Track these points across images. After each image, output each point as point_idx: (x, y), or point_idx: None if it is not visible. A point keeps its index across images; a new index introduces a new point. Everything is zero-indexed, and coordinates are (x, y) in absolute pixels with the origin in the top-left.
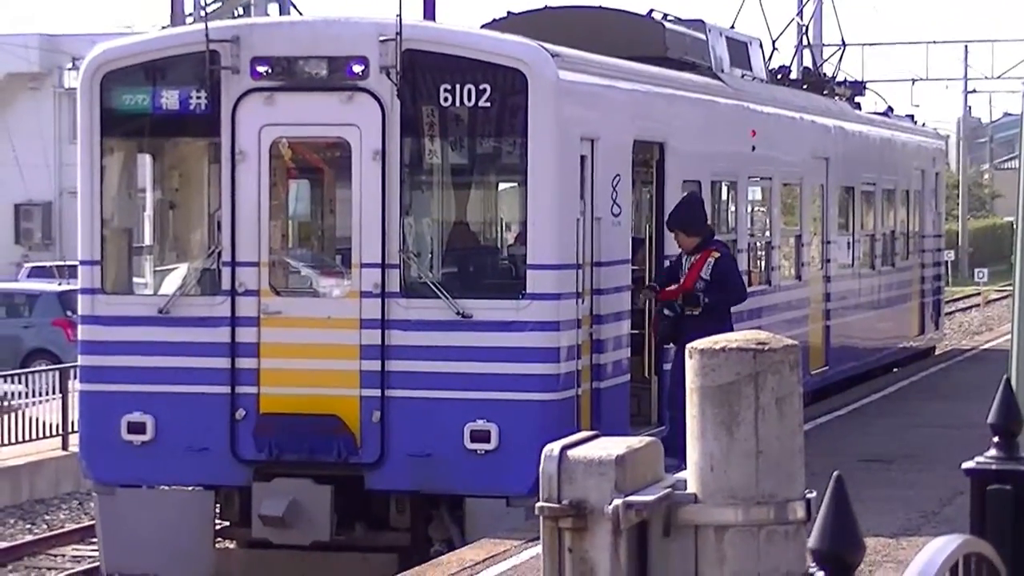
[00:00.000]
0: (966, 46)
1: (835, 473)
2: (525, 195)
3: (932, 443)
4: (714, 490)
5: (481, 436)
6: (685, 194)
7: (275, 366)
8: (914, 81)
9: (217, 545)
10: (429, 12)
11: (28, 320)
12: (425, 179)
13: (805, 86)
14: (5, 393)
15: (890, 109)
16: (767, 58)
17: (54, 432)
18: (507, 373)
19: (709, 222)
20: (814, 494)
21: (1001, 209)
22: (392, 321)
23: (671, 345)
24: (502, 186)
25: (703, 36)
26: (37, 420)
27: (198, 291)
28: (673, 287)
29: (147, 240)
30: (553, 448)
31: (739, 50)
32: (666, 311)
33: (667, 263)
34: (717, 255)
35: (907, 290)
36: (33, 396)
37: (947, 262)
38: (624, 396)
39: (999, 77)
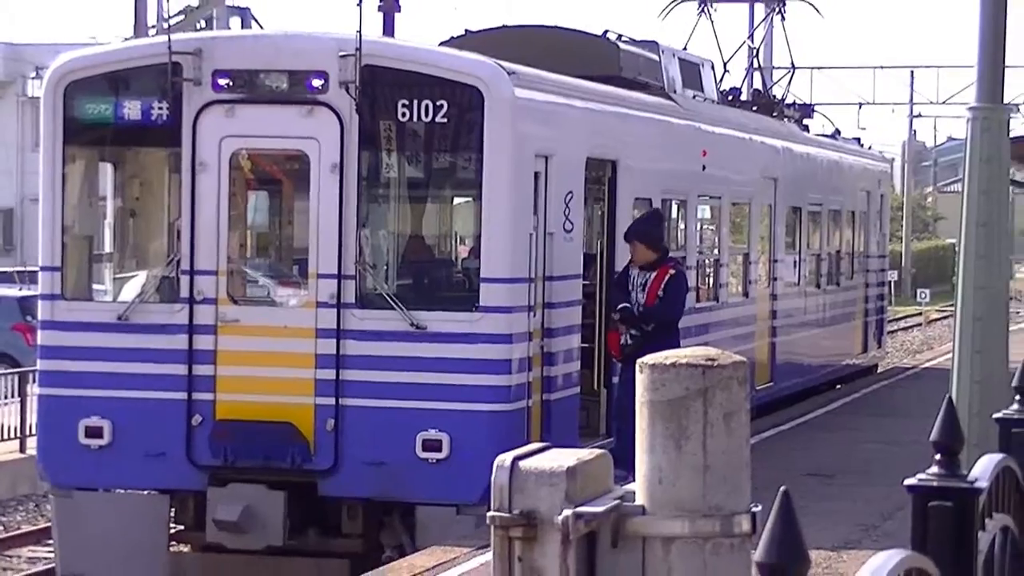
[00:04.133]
0: (912, 72)
1: (782, 488)
2: (480, 210)
3: (874, 458)
4: (662, 502)
5: (433, 445)
6: (649, 209)
7: (232, 373)
8: (861, 105)
9: (171, 549)
10: (388, 29)
11: None
12: (382, 192)
13: (755, 108)
14: None
15: (837, 131)
16: (719, 80)
17: (12, 435)
18: (459, 384)
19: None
20: (759, 507)
21: (944, 231)
22: (347, 331)
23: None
24: (457, 200)
25: (656, 57)
26: None
27: (157, 298)
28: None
29: (107, 247)
30: (505, 459)
31: (691, 71)
32: (633, 331)
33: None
34: (673, 272)
35: (851, 309)
36: None
37: (890, 282)
38: (574, 408)
39: (944, 102)
